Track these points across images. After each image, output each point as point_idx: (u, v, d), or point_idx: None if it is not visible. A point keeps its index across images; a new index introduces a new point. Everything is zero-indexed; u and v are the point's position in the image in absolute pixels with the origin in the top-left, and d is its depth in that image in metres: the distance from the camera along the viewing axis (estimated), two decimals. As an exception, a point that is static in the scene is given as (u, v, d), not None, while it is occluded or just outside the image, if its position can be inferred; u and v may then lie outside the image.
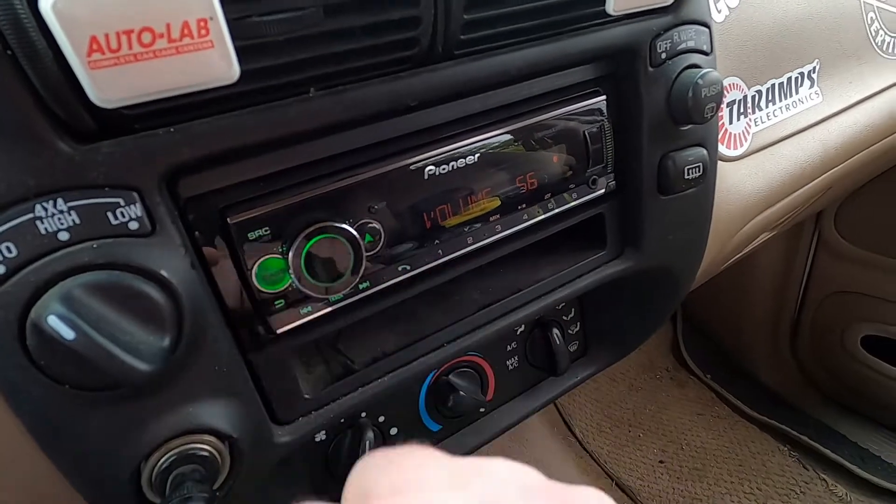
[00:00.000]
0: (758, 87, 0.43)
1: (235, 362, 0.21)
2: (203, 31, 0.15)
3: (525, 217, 0.28)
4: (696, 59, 0.28)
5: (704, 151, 0.30)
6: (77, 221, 0.16)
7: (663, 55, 0.28)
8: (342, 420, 0.30)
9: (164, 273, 0.17)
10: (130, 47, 0.14)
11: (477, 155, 0.25)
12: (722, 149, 0.40)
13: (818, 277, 0.98)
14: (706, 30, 0.29)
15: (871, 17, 0.51)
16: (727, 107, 0.40)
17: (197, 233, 0.19)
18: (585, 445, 0.95)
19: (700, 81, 0.27)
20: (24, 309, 0.15)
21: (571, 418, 0.99)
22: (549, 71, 0.26)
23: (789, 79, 0.45)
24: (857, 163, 0.53)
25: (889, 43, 0.53)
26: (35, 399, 0.16)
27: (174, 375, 0.18)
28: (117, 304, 0.16)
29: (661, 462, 0.92)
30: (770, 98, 0.44)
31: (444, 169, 0.24)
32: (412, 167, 0.23)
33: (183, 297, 0.17)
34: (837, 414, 0.98)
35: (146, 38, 0.15)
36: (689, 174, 0.30)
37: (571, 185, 0.29)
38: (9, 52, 0.14)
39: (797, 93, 0.46)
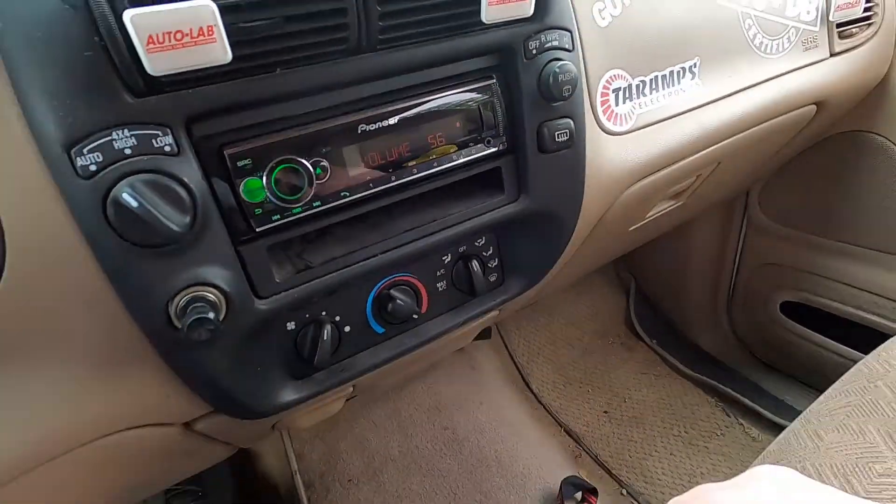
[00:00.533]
0: (641, 78, 0.54)
1: (229, 247, 0.32)
2: (210, 32, 0.26)
3: (435, 165, 0.39)
4: (559, 54, 0.40)
5: (571, 122, 0.42)
6: (135, 143, 0.27)
7: (534, 51, 0.39)
8: (306, 314, 0.41)
9: (185, 178, 0.28)
10: (170, 41, 0.25)
11: (396, 118, 0.36)
12: (609, 125, 0.52)
13: (748, 252, 1.10)
14: (567, 33, 0.40)
15: (749, 24, 0.62)
16: (613, 93, 0.52)
17: (205, 158, 0.30)
18: (541, 399, 1.07)
19: (557, 70, 0.38)
20: (106, 191, 0.26)
21: (529, 377, 1.11)
22: (450, 61, 0.37)
23: (671, 72, 0.57)
24: (738, 144, 0.65)
25: (766, 44, 0.64)
26: (110, 251, 0.27)
27: (191, 245, 0.29)
28: (159, 193, 0.27)
29: (605, 412, 1.04)
30: (654, 87, 0.55)
31: (372, 127, 0.36)
32: (349, 125, 0.35)
33: (197, 194, 0.29)
34: (763, 372, 1.11)
35: (178, 36, 0.26)
36: (559, 138, 0.42)
37: (471, 144, 0.40)
38: (101, 42, 0.25)
39: (679, 83, 0.57)
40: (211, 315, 0.29)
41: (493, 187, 0.45)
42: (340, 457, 0.79)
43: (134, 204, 0.26)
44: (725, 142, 0.62)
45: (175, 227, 0.27)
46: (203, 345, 0.31)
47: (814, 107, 0.72)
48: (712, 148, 0.61)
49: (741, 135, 0.64)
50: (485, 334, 1.01)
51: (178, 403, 0.35)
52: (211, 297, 0.30)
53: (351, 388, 0.55)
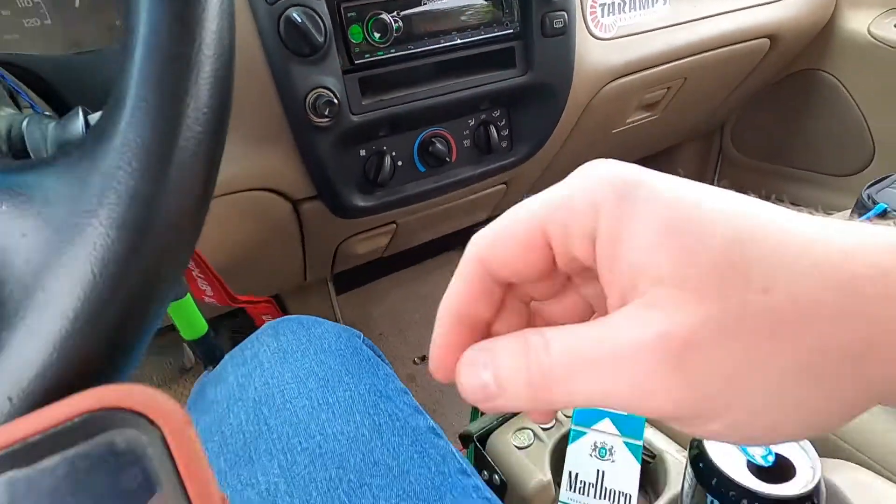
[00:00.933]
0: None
1: (339, 70, 0.49)
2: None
3: (469, 36, 0.56)
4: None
5: (566, 14, 0.59)
6: None
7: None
8: (373, 146, 0.59)
9: (322, 14, 0.46)
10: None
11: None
12: (596, 31, 0.69)
13: (723, 181, 1.27)
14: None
15: (713, -35, 0.79)
16: (599, 6, 0.69)
17: (330, 7, 0.48)
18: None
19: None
20: (281, 12, 0.44)
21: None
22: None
23: (647, -3, 0.73)
24: (700, 63, 0.81)
25: (727, -17, 0.81)
26: (277, 56, 0.45)
27: (321, 60, 0.47)
28: (309, 19, 0.44)
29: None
30: (633, 6, 0.72)
31: (431, 3, 0.53)
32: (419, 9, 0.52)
33: (328, 25, 0.46)
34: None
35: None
36: (556, 25, 0.59)
37: (494, 25, 0.57)
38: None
39: (653, 6, 0.74)
40: (328, 109, 0.46)
41: (508, 66, 0.62)
42: (373, 318, 0.98)
43: (298, 20, 0.43)
44: (689, 58, 0.79)
45: (319, 39, 0.44)
46: (321, 130, 0.49)
47: (767, 40, 0.88)
48: (678, 62, 0.78)
49: (702, 55, 0.80)
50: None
51: (296, 179, 0.53)
52: (330, 97, 0.48)
53: (394, 226, 0.73)
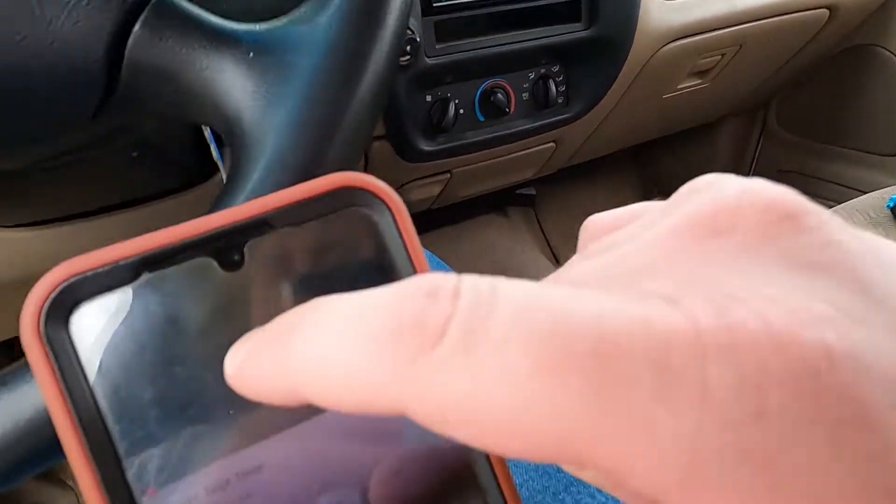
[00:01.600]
0: (686, -41, 0.71)
1: (419, 14, 0.51)
2: None
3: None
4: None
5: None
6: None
7: None
8: (439, 92, 0.61)
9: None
10: None
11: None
12: (658, -8, 0.69)
13: (762, 160, 1.27)
14: None
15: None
16: (664, -34, 0.69)
17: None
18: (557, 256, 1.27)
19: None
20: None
21: (559, 255, 1.32)
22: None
23: (711, -41, 0.73)
24: (758, 30, 0.81)
25: (791, -52, 0.80)
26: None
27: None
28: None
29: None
30: (695, -32, 0.72)
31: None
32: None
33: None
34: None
35: None
36: (623, -20, 0.60)
37: (564, -23, 0.59)
38: None
39: (716, -31, 0.74)
40: (409, 47, 0.49)
41: (573, 19, 0.63)
42: (414, 273, 1.01)
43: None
44: (747, 24, 0.79)
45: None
46: (399, 69, 0.51)
47: (826, 11, 0.87)
48: (736, 28, 0.78)
49: (760, 22, 0.80)
50: (529, 201, 1.21)
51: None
52: (412, 36, 0.50)
53: (449, 175, 0.75)
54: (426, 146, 0.62)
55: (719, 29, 0.76)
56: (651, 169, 1.49)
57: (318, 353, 0.10)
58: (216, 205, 0.16)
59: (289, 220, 0.14)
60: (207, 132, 0.40)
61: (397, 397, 0.09)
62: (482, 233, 1.09)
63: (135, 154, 0.30)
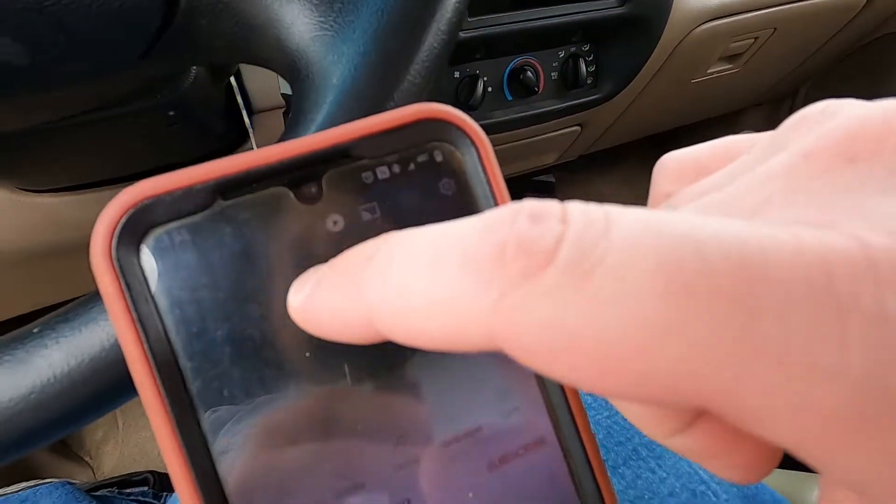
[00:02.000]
0: (724, -64, 0.69)
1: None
2: None
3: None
4: None
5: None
6: None
7: None
8: (467, 68, 0.60)
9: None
10: None
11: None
12: (693, -31, 0.67)
13: (786, 152, 1.24)
14: None
15: None
16: (701, -58, 0.67)
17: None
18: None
19: None
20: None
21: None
22: None
23: (748, -64, 0.71)
24: (793, 13, 0.78)
25: (831, -72, 0.77)
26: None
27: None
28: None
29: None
30: (732, -55, 0.70)
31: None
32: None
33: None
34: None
35: None
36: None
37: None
38: None
39: (753, -53, 0.72)
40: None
41: (607, -5, 0.62)
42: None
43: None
44: (782, 7, 0.76)
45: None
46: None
47: (865, -7, 0.84)
48: (770, 10, 0.76)
49: (795, 5, 0.77)
50: (547, 188, 1.19)
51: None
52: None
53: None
54: (453, 124, 0.61)
55: (754, 10, 0.74)
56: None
57: (399, 282, 0.09)
58: (283, 138, 0.15)
59: (369, 152, 0.13)
60: (240, 98, 0.39)
61: (493, 328, 0.08)
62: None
63: (171, 113, 0.29)
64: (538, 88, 0.64)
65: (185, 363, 0.12)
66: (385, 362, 0.13)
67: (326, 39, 0.15)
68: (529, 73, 0.62)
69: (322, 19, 0.15)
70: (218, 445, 0.12)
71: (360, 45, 0.15)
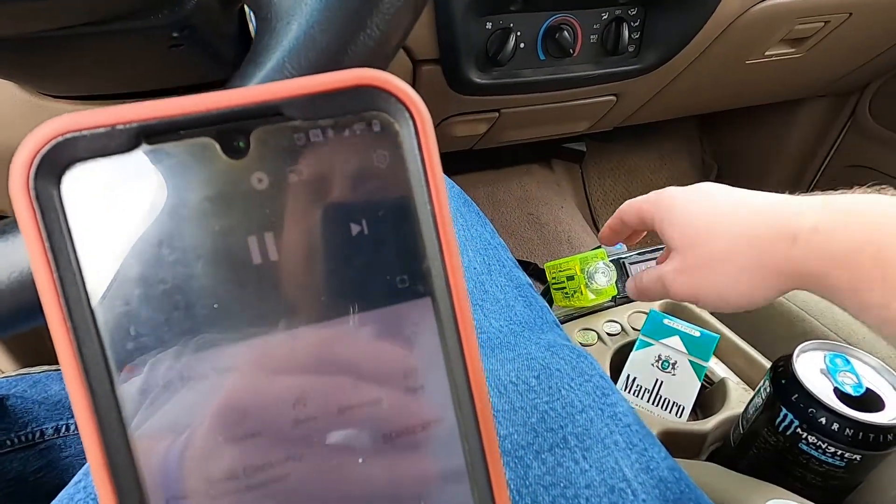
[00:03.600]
0: None
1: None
2: None
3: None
4: None
5: None
6: None
7: None
8: (500, 20, 0.57)
9: None
10: None
11: None
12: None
13: (841, 153, 1.16)
14: None
15: None
16: None
17: None
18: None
19: None
20: None
21: (598, 219, 1.27)
22: None
23: None
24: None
25: None
26: None
27: None
28: None
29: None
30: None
31: None
32: None
33: None
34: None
35: None
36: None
37: None
38: None
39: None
40: None
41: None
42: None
43: None
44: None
45: None
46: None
47: (961, -14, 0.75)
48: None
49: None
50: (577, 157, 1.16)
51: (423, 36, 0.52)
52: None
53: (497, 115, 0.72)
54: (478, 78, 0.59)
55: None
56: (712, 141, 1.39)
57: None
58: (231, 80, 0.15)
59: (302, 113, 0.13)
60: (252, 24, 0.38)
61: None
62: (522, 182, 1.05)
63: (175, 34, 0.29)
64: (574, 51, 0.61)
65: (94, 298, 0.12)
66: (295, 324, 0.14)
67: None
68: (566, 33, 0.59)
69: (289, -42, 0.15)
70: (122, 377, 0.12)
71: (323, -6, 0.14)
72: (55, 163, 0.12)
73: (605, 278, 0.54)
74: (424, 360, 0.14)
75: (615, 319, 0.57)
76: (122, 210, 0.12)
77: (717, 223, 0.26)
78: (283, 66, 0.14)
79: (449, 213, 0.14)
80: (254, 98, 0.13)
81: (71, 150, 0.12)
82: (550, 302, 0.61)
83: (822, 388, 0.33)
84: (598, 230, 1.28)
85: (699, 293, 0.27)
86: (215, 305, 0.13)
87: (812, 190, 1.30)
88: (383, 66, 0.16)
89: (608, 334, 0.55)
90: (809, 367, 0.35)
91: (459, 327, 0.14)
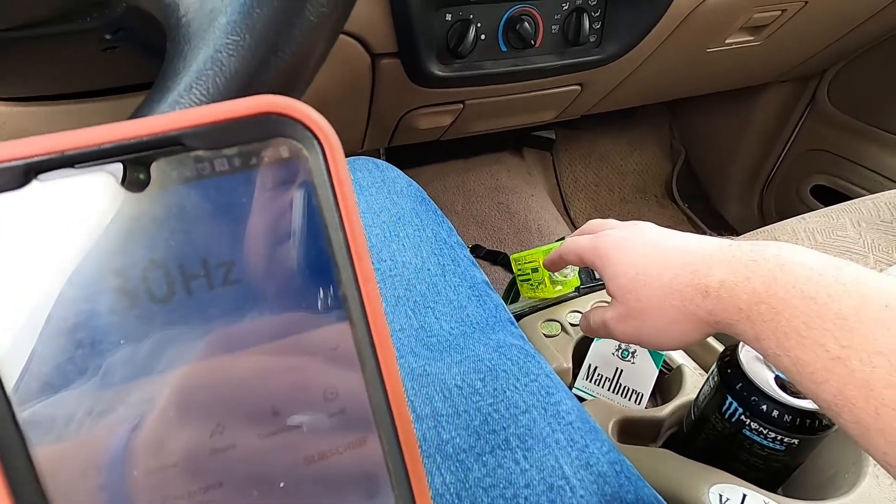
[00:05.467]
0: None
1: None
2: None
3: None
4: None
5: None
6: None
7: None
8: (460, 12, 0.56)
9: None
10: None
11: None
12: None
13: (801, 137, 1.19)
14: None
15: None
16: None
17: None
18: (575, 224, 1.25)
19: None
20: None
21: (570, 204, 1.29)
22: None
23: None
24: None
25: None
26: None
27: None
28: None
29: (627, 242, 1.22)
30: None
31: None
32: None
33: None
34: (773, 245, 1.26)
35: None
36: None
37: None
38: None
39: None
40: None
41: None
42: (416, 202, 1.00)
43: None
44: (820, -22, 0.70)
45: None
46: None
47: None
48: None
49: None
50: (547, 145, 1.16)
51: (380, 30, 0.51)
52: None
53: (461, 106, 0.71)
54: (439, 71, 0.58)
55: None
56: (680, 126, 1.41)
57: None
58: (139, 108, 0.14)
59: (204, 143, 0.13)
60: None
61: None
62: (492, 171, 1.05)
63: (108, 37, 0.28)
64: (535, 42, 0.61)
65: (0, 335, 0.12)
66: (209, 354, 0.13)
67: (197, 1, 0.14)
68: (527, 24, 0.59)
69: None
70: (24, 417, 0.12)
71: (229, 13, 0.14)
72: (-58, 202, 0.11)
73: (568, 269, 0.55)
74: (344, 384, 0.14)
75: (578, 310, 0.58)
76: (15, 250, 0.12)
77: (645, 275, 0.29)
78: (191, 91, 0.13)
79: (363, 237, 0.14)
80: (152, 129, 0.12)
81: (-39, 186, 0.11)
82: (518, 294, 0.62)
83: (763, 378, 0.35)
84: (569, 217, 1.29)
85: (640, 339, 0.30)
86: (122, 341, 0.13)
87: (774, 174, 1.34)
88: (301, 90, 0.15)
89: (571, 324, 0.56)
90: (753, 358, 0.36)
91: (377, 349, 0.14)
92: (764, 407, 0.34)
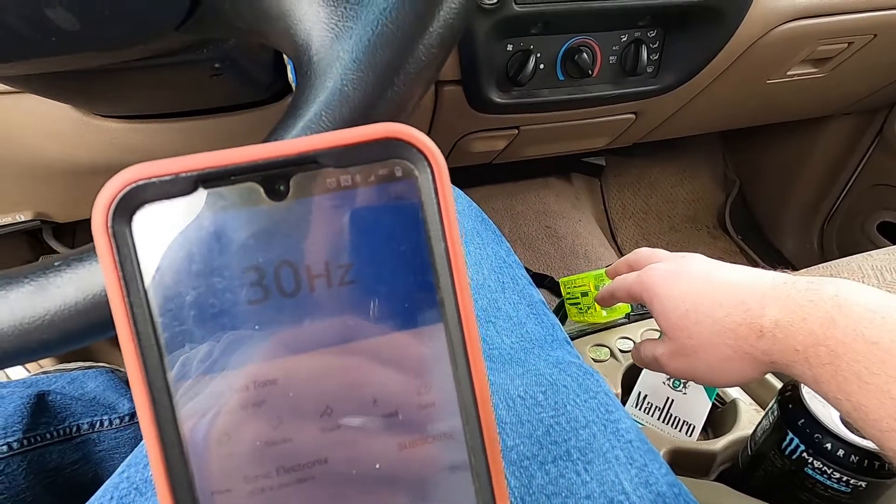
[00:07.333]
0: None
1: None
2: None
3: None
4: None
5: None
6: None
7: None
8: (521, 43, 0.58)
9: None
10: None
11: None
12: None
13: (867, 171, 1.14)
14: None
15: None
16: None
17: None
18: (622, 251, 1.24)
19: None
20: None
21: (616, 231, 1.27)
22: None
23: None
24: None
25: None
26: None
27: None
28: None
29: (676, 273, 1.19)
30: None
31: None
32: None
33: None
34: (835, 283, 1.20)
35: None
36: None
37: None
38: None
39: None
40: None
41: (682, -19, 0.58)
42: (465, 223, 1.02)
43: None
44: (887, 12, 0.69)
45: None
46: (484, 12, 0.50)
47: None
48: (872, 13, 0.68)
49: (904, 10, 0.70)
50: (595, 171, 1.16)
51: (447, 63, 0.54)
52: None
53: (516, 132, 0.73)
54: (498, 98, 0.60)
55: (852, 13, 0.67)
56: (734, 155, 1.38)
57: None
58: (275, 130, 0.17)
59: (334, 161, 0.15)
60: (286, 56, 0.41)
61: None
62: (540, 195, 1.06)
63: (217, 66, 0.32)
64: (592, 72, 0.62)
65: (157, 317, 0.14)
66: (324, 344, 0.15)
67: (326, 41, 0.16)
68: (585, 55, 0.60)
69: (326, 21, 0.17)
70: (178, 387, 0.14)
71: (354, 52, 0.16)
72: (128, 205, 0.14)
73: (618, 295, 0.55)
74: (436, 379, 0.16)
75: (628, 336, 0.58)
76: (180, 243, 0.14)
77: (696, 312, 0.29)
78: (321, 118, 0.16)
79: (461, 250, 0.16)
80: (294, 150, 0.15)
81: (141, 195, 0.14)
82: (565, 316, 0.62)
83: (828, 414, 0.34)
84: (616, 244, 1.28)
85: (694, 375, 0.30)
86: (256, 327, 0.15)
87: (837, 208, 1.28)
88: (407, 118, 0.17)
89: (621, 351, 0.56)
90: (816, 394, 0.35)
91: (468, 350, 0.16)
92: (828, 445, 0.33)
